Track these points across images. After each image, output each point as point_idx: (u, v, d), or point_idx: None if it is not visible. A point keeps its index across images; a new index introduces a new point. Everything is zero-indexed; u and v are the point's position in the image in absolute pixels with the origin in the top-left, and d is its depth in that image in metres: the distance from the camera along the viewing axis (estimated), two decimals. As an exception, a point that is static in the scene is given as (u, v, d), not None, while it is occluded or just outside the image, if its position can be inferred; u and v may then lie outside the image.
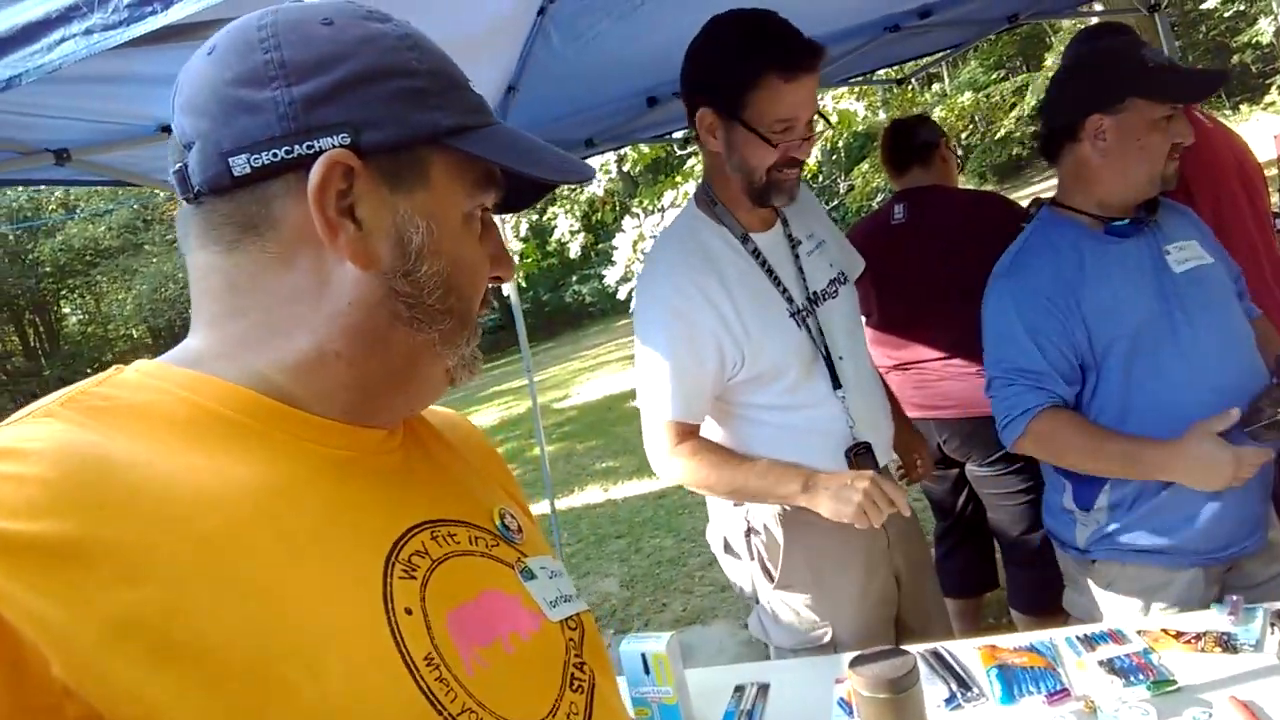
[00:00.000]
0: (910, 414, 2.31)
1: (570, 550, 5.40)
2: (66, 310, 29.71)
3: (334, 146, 0.58)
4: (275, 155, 0.58)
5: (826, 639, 1.73)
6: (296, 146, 0.58)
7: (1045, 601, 2.47)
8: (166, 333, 27.46)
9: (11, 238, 25.61)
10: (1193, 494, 1.60)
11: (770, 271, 1.68)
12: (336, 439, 0.63)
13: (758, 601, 1.81)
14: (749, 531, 1.74)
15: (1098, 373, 1.67)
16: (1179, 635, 1.44)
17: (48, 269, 26.59)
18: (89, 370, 26.38)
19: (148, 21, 1.00)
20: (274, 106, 0.58)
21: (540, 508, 4.77)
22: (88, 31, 1.02)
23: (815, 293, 1.73)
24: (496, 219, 0.72)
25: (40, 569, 0.44)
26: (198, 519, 0.51)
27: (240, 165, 0.58)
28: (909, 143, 2.69)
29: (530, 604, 0.68)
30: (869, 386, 1.79)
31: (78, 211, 24.81)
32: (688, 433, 1.68)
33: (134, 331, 28.80)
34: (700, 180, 1.78)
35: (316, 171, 0.58)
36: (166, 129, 2.16)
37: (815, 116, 1.64)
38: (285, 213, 0.60)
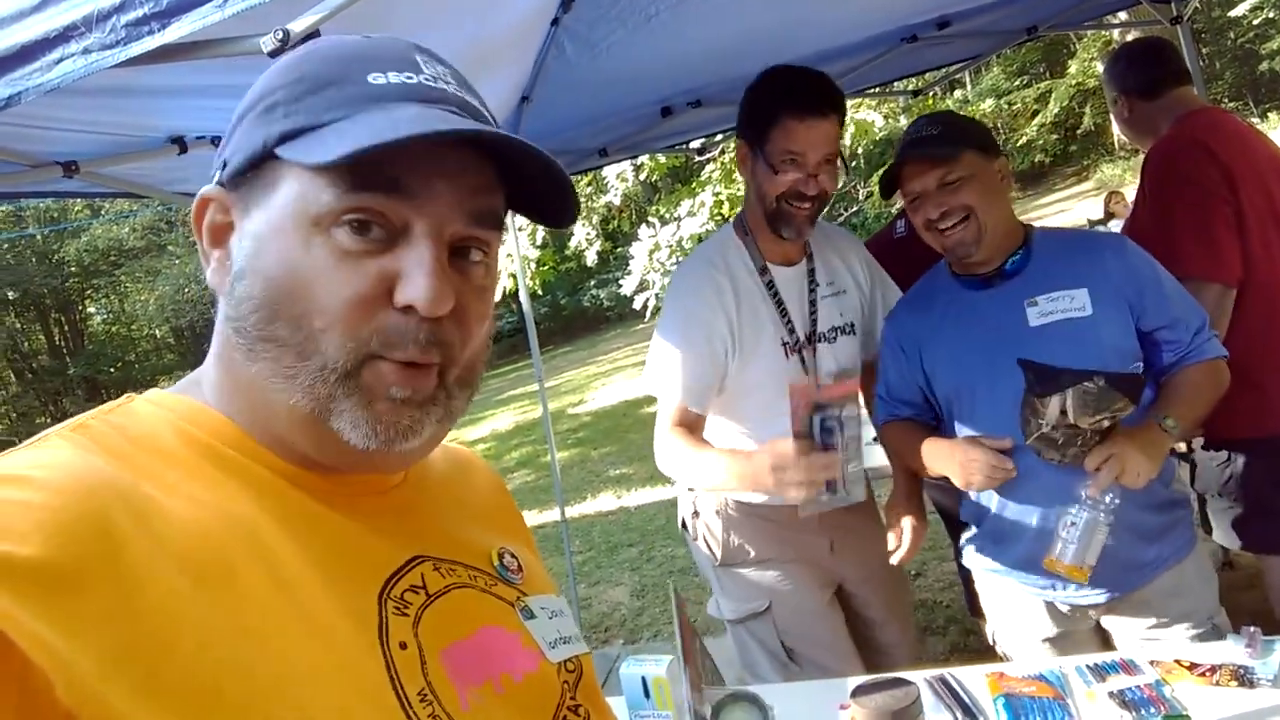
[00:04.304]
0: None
1: (581, 558, 5.38)
2: (91, 310, 30.10)
3: (212, 183, 0.62)
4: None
5: (763, 609, 1.94)
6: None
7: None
8: (189, 333, 27.77)
9: (39, 238, 26.02)
10: (1016, 524, 1.66)
11: (779, 302, 1.89)
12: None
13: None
14: (695, 514, 2.00)
15: (945, 409, 1.78)
16: (1193, 667, 1.41)
17: (73, 269, 26.98)
18: (113, 369, 26.82)
19: (145, 41, 1.00)
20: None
21: (552, 515, 4.76)
22: (85, 51, 1.02)
23: (817, 332, 1.92)
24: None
25: (44, 595, 0.44)
26: (195, 553, 0.50)
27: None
28: None
29: (530, 643, 0.67)
30: None
31: (103, 213, 25.14)
32: (689, 420, 1.86)
33: (157, 331, 29.15)
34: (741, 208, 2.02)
35: (193, 209, 0.61)
36: (175, 140, 2.19)
37: (831, 160, 1.82)
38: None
